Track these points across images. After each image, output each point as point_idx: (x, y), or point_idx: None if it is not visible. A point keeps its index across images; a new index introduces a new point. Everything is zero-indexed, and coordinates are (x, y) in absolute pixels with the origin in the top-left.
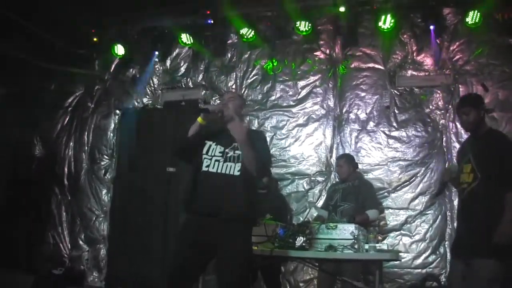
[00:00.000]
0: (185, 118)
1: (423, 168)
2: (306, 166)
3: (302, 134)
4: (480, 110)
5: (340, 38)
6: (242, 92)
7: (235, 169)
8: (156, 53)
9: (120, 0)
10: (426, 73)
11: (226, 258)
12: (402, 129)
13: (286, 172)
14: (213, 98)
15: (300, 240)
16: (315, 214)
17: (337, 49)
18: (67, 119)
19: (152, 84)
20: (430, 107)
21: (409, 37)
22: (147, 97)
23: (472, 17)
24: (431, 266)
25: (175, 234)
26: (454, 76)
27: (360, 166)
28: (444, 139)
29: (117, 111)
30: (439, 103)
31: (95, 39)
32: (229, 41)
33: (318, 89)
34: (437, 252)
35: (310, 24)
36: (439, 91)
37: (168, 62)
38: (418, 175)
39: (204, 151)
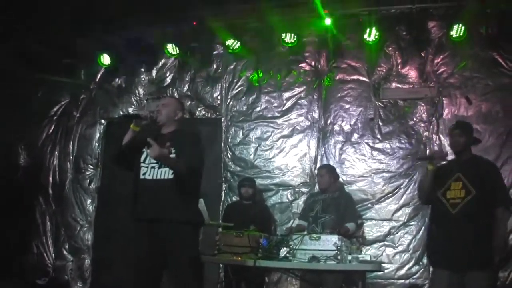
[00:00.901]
0: None
1: (407, 180)
2: (290, 177)
3: (286, 145)
4: (470, 138)
5: (325, 50)
6: (228, 103)
7: (169, 173)
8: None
9: (106, 9)
10: (411, 86)
11: (173, 261)
12: (386, 141)
13: (271, 183)
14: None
15: (283, 251)
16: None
17: (322, 61)
18: (52, 128)
19: (137, 94)
20: (414, 119)
21: (394, 49)
22: (132, 107)
23: (457, 30)
24: (414, 276)
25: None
26: (438, 89)
27: (344, 177)
28: (427, 151)
29: (103, 121)
30: (423, 115)
31: (81, 48)
32: (215, 52)
33: (303, 100)
34: (420, 263)
35: (295, 36)
36: (423, 104)
37: (154, 72)
38: (402, 186)
39: (142, 159)
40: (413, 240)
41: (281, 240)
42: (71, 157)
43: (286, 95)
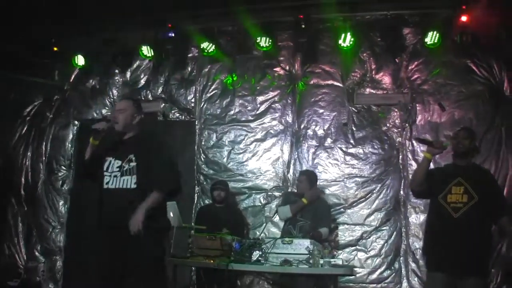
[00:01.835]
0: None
1: (379, 185)
2: (263, 181)
3: (260, 149)
4: (474, 142)
5: (300, 55)
6: (201, 106)
7: (131, 182)
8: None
9: (81, 10)
10: (384, 92)
11: (133, 269)
12: (359, 146)
13: (243, 186)
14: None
15: (256, 254)
16: (271, 229)
17: (296, 66)
18: (25, 128)
19: (111, 96)
20: (388, 125)
21: (369, 55)
22: (106, 108)
23: (431, 37)
24: (386, 281)
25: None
26: (411, 95)
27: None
28: (400, 156)
29: (76, 122)
30: (396, 121)
31: (55, 49)
32: (190, 55)
33: (277, 104)
34: (392, 268)
35: (270, 40)
36: (396, 110)
37: (128, 74)
38: (374, 191)
39: (105, 167)
40: (385, 244)
41: (254, 243)
42: (43, 158)
43: (260, 99)
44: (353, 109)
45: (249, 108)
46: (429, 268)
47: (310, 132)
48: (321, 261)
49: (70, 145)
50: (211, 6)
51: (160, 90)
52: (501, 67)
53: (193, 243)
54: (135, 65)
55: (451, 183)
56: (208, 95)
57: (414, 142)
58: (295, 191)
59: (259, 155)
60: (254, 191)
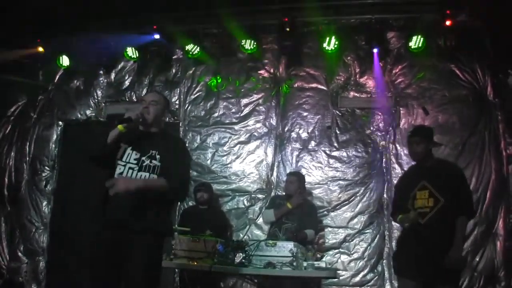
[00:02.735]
0: None
1: (363, 188)
2: (247, 183)
3: (243, 152)
4: (430, 143)
5: (284, 58)
6: (186, 108)
7: (148, 179)
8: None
9: (66, 11)
10: (368, 95)
11: (132, 272)
12: (343, 149)
13: (227, 188)
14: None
15: (239, 257)
16: (255, 231)
17: (281, 69)
18: (8, 128)
19: (96, 97)
20: (371, 128)
21: (353, 59)
22: (91, 109)
23: (416, 41)
24: (369, 284)
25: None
26: (395, 99)
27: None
28: (384, 160)
29: (60, 123)
30: (380, 124)
31: (40, 49)
32: (174, 57)
33: (261, 107)
34: (375, 270)
35: (255, 43)
36: (380, 113)
37: (112, 75)
38: (358, 194)
39: (119, 156)
40: (368, 247)
41: (237, 245)
42: (27, 159)
43: (244, 101)
44: (337, 112)
45: (233, 110)
46: (398, 274)
47: (294, 135)
48: (305, 264)
49: (54, 146)
50: (196, 8)
51: (144, 91)
52: (484, 71)
53: (177, 245)
54: (119, 66)
55: (415, 188)
56: (193, 97)
57: (397, 145)
58: (282, 193)
59: (243, 158)
60: (237, 193)
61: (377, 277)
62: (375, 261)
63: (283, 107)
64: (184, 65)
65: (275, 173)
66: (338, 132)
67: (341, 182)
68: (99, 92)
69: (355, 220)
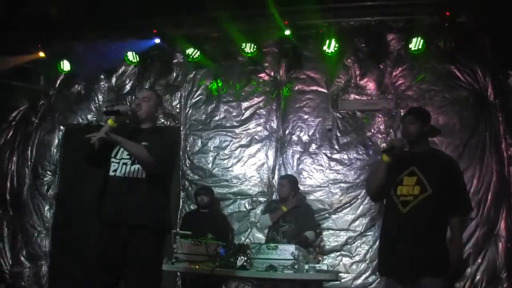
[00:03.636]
0: None
1: (364, 191)
2: (248, 186)
3: (244, 155)
4: (425, 126)
5: (284, 61)
6: (187, 111)
7: (142, 171)
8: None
9: (67, 16)
10: (369, 97)
11: (132, 272)
12: (344, 152)
13: (228, 192)
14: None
15: (241, 260)
16: (256, 234)
17: (281, 72)
18: (10, 133)
19: (97, 101)
20: (372, 130)
21: (353, 61)
22: (92, 113)
23: (415, 43)
24: (371, 286)
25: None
26: (396, 101)
27: (301, 187)
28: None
29: (61, 127)
30: (381, 127)
31: (41, 54)
32: (175, 61)
33: (261, 110)
34: (377, 273)
35: (255, 46)
36: (380, 115)
37: (113, 80)
38: (359, 197)
39: (113, 154)
40: (370, 250)
41: (239, 249)
42: (29, 163)
43: (245, 104)
44: (338, 115)
45: (234, 114)
46: (380, 273)
47: (294, 137)
48: (306, 267)
49: (55, 150)
50: (196, 13)
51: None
52: (485, 72)
53: (178, 249)
54: (120, 71)
55: (403, 173)
56: (193, 100)
57: None
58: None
59: (244, 161)
60: (239, 197)
61: (379, 279)
62: (377, 263)
63: (284, 110)
64: (185, 69)
65: (276, 176)
66: (339, 134)
67: (342, 184)
68: (100, 97)
69: (357, 222)
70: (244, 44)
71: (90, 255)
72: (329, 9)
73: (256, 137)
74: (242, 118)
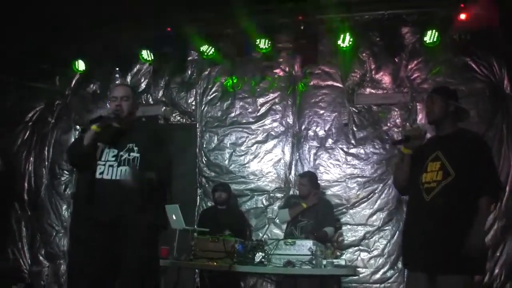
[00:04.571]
0: None
1: (381, 185)
2: (265, 182)
3: (261, 151)
4: (449, 104)
5: (299, 56)
6: (202, 108)
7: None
8: (117, 69)
9: (82, 15)
10: (384, 91)
11: (128, 268)
12: (360, 146)
13: (245, 188)
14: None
15: (259, 256)
16: (274, 230)
17: (296, 67)
18: (27, 134)
19: None
20: (388, 124)
21: (368, 55)
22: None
23: (430, 36)
24: (389, 281)
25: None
26: (411, 94)
27: (318, 182)
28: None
29: (77, 127)
30: (397, 120)
31: (56, 54)
32: (190, 58)
33: (277, 106)
34: (395, 267)
35: (270, 42)
36: (396, 109)
37: (128, 78)
38: (376, 191)
39: (98, 156)
40: (388, 244)
41: (256, 245)
42: (46, 163)
43: (261, 100)
44: (354, 109)
45: (249, 110)
46: (405, 267)
47: (311, 133)
48: (324, 262)
49: None
50: (210, 9)
51: (160, 93)
52: (500, 64)
53: (196, 246)
54: (135, 69)
55: (428, 159)
56: (209, 97)
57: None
58: (298, 193)
59: (260, 157)
60: (256, 193)
61: (397, 274)
62: (395, 258)
63: (299, 105)
64: (199, 66)
65: (293, 172)
66: (355, 129)
67: (359, 179)
68: None
69: (374, 217)
70: (258, 40)
71: (78, 252)
72: (343, 3)
73: (272, 133)
74: (258, 114)
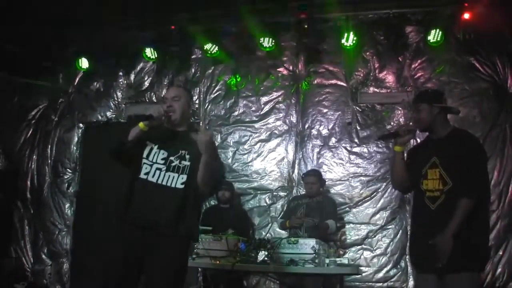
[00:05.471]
0: None
1: (384, 184)
2: (268, 181)
3: (264, 150)
4: (434, 107)
5: (303, 55)
6: (206, 107)
7: (177, 181)
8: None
9: (85, 13)
10: (388, 90)
11: (156, 272)
12: (364, 145)
13: (249, 187)
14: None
15: (262, 255)
16: (277, 229)
17: (300, 66)
18: (30, 132)
19: (116, 98)
20: (392, 123)
21: (372, 54)
22: (111, 111)
23: (434, 35)
24: (392, 279)
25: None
26: (415, 94)
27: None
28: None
29: (81, 125)
30: (401, 119)
31: (59, 52)
32: (193, 56)
33: (280, 105)
34: (398, 266)
35: (273, 41)
36: (400, 108)
37: (132, 76)
38: (379, 190)
39: (145, 154)
40: (391, 243)
41: (260, 243)
42: (49, 161)
43: (264, 99)
44: (357, 108)
45: (253, 108)
46: (415, 269)
47: (314, 131)
48: (327, 261)
49: (75, 148)
50: (214, 7)
51: (164, 92)
52: (504, 64)
53: (199, 244)
54: (138, 67)
55: (426, 166)
56: (212, 96)
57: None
58: (302, 193)
59: (263, 156)
60: (259, 192)
61: (400, 272)
62: (398, 256)
63: (303, 104)
64: (203, 64)
65: (296, 170)
66: (358, 128)
67: (362, 178)
68: (119, 94)
69: (377, 216)
70: (262, 39)
71: (114, 251)
72: (347, 2)
73: (276, 131)
74: (261, 112)
